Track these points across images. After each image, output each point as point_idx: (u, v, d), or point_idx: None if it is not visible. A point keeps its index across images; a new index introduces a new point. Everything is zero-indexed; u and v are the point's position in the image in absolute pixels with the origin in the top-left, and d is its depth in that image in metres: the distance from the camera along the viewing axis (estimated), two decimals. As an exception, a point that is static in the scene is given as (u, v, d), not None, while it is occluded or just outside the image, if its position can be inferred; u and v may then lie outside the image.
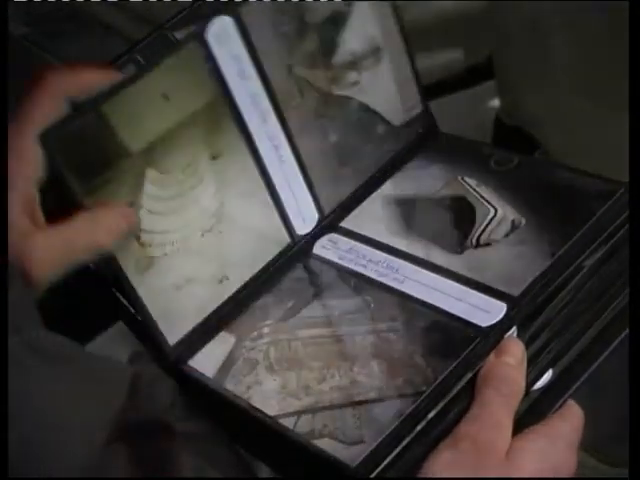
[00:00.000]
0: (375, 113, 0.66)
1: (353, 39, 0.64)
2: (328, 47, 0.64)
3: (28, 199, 0.54)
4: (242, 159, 0.60)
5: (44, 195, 0.56)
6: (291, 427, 0.53)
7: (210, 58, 0.58)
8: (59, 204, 0.56)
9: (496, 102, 1.13)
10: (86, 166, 0.55)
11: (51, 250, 0.53)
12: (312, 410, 0.54)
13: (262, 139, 0.61)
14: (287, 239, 0.63)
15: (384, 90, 0.66)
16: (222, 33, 0.58)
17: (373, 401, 0.54)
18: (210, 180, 0.59)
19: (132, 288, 0.57)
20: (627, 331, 0.58)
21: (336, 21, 0.64)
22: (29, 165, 0.53)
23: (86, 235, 0.54)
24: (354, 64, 0.65)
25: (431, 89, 1.21)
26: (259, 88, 0.60)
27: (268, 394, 0.55)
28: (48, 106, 0.54)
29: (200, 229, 0.60)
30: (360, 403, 0.54)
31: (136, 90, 0.55)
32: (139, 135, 0.56)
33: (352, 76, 0.65)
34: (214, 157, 0.60)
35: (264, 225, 0.62)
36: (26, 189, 0.53)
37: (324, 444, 0.52)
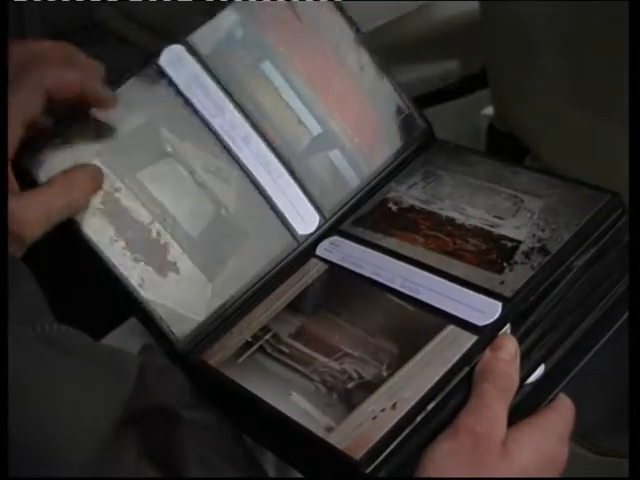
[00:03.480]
0: None
1: None
2: None
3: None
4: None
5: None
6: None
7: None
8: None
9: (490, 110, 1.13)
10: None
11: (31, 212, 0.53)
12: None
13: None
14: (289, 239, 0.63)
15: None
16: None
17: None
18: None
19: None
20: (615, 328, 0.59)
21: None
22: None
23: (63, 196, 0.55)
24: None
25: (429, 97, 1.22)
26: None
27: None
28: (28, 98, 0.54)
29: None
30: None
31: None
32: None
33: None
34: None
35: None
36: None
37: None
